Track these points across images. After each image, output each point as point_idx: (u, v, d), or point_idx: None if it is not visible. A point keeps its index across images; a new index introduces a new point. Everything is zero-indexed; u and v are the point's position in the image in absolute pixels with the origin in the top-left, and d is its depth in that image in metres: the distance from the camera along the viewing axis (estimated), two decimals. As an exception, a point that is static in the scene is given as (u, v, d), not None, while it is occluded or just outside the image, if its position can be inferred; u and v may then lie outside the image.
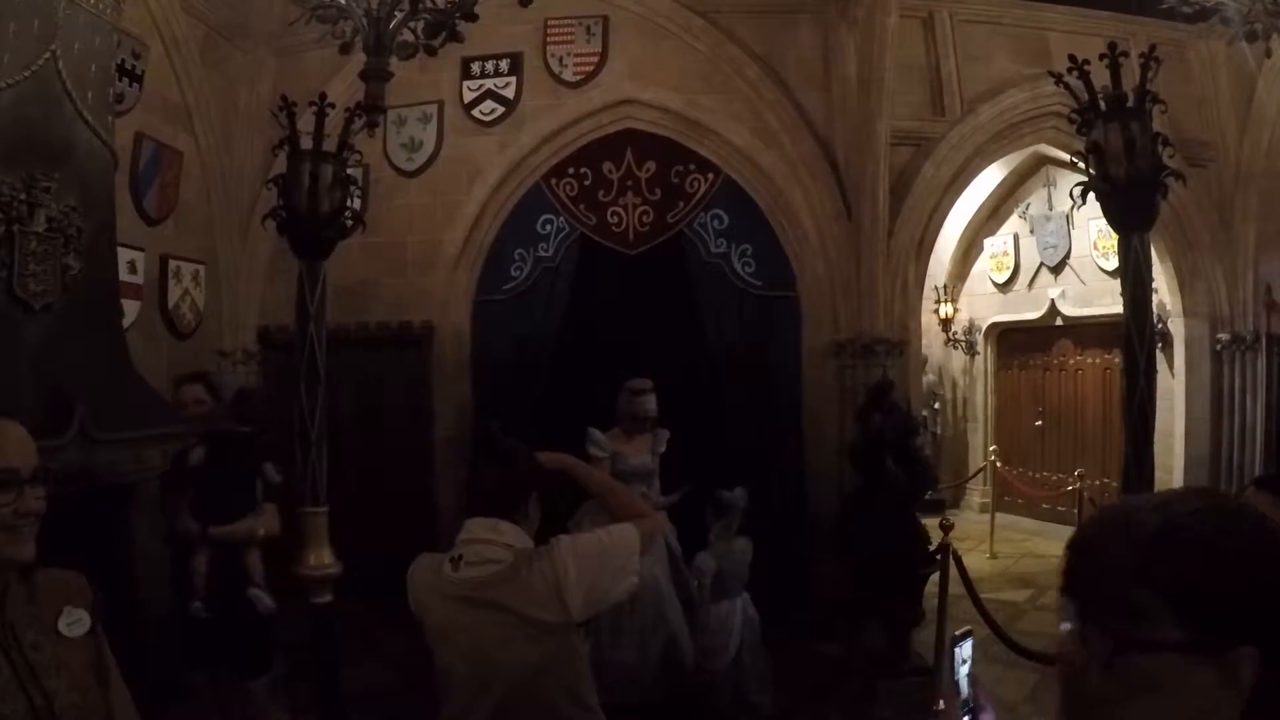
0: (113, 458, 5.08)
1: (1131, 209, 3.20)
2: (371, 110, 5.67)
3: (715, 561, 4.98)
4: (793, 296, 6.87)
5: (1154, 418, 3.13)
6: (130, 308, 6.49)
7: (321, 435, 3.49)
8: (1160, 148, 3.19)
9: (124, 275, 6.30)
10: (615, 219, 6.94)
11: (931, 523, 5.68)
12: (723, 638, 4.99)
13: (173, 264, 7.09)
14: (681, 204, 6.86)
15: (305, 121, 4.06)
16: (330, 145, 3.81)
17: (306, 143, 3.85)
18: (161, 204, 6.94)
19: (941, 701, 1.44)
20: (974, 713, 1.41)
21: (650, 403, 5.46)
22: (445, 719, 2.36)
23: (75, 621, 1.93)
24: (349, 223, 3.69)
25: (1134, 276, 3.16)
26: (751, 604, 5.16)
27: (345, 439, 7.38)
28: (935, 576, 5.52)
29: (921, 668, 5.58)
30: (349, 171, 7.15)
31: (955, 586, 5.41)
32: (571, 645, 2.28)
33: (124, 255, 6.26)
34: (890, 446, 5.45)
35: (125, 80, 6.35)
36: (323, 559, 3.53)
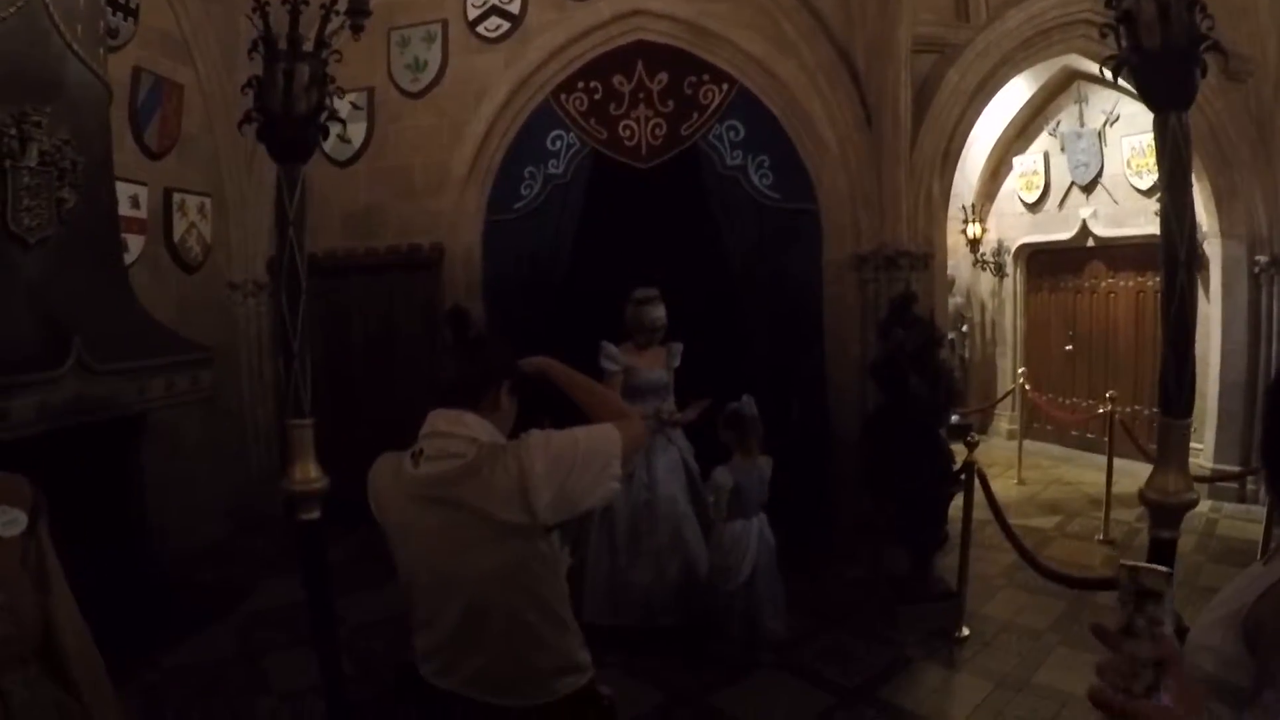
0: (114, 388, 5.06)
1: (1168, 83, 2.93)
2: (356, 13, 5.52)
3: (733, 477, 4.81)
4: (812, 209, 6.61)
5: (1195, 323, 2.90)
6: (134, 243, 6.55)
7: (304, 346, 3.32)
8: (1198, 16, 2.92)
9: (126, 210, 6.34)
10: (627, 133, 6.70)
11: (958, 448, 5.53)
12: (735, 558, 4.82)
13: (177, 197, 7.09)
14: (695, 115, 6.60)
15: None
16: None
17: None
18: (163, 137, 6.92)
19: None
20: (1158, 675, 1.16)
21: (658, 311, 5.28)
22: (414, 638, 2.22)
23: (10, 521, 1.91)
24: (328, 125, 3.49)
25: (1172, 160, 2.90)
26: (768, 526, 4.98)
27: (357, 365, 7.39)
28: (959, 500, 5.41)
29: (945, 593, 5.45)
30: (347, 98, 7.30)
31: (981, 511, 5.27)
32: (540, 552, 2.04)
33: (126, 190, 6.32)
34: (911, 359, 5.24)
35: (119, 15, 6.29)
36: (308, 473, 3.36)
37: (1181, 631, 2.84)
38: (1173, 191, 2.89)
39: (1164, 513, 2.87)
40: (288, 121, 3.32)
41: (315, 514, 3.40)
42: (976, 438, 5.34)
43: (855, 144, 6.53)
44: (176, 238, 7.08)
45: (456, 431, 2.11)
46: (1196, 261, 2.87)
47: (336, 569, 3.75)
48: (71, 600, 2.03)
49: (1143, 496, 2.90)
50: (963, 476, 5.21)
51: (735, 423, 4.89)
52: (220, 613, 5.58)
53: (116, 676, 2.15)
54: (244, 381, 7.66)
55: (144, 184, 6.66)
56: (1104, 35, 3.02)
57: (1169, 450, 2.88)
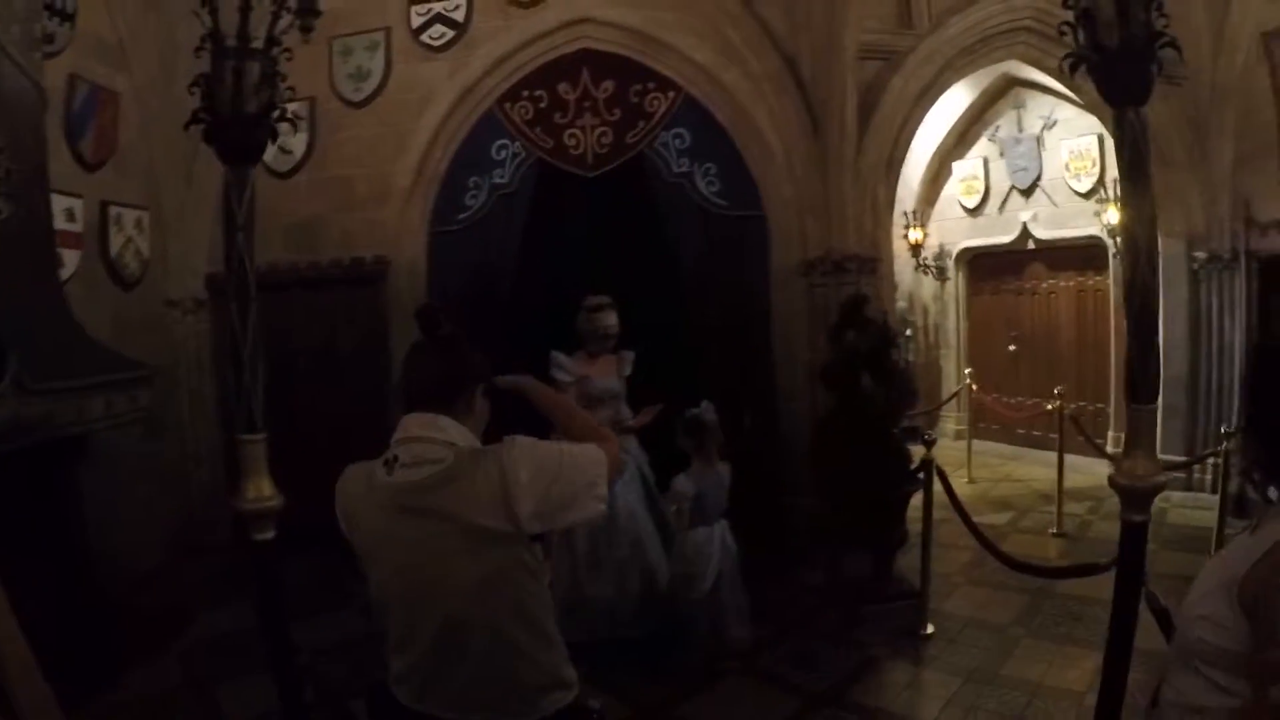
0: (50, 409, 4.85)
1: (1126, 80, 2.95)
2: (306, 13, 5.41)
3: (694, 485, 4.76)
4: (759, 215, 6.62)
5: (1158, 311, 2.94)
6: (70, 258, 6.29)
7: (256, 356, 3.19)
8: (1155, 15, 2.95)
9: (61, 224, 6.08)
10: (573, 141, 6.64)
11: (914, 449, 5.55)
12: (700, 566, 4.77)
13: (114, 210, 6.82)
14: (641, 124, 6.57)
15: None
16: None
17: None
18: (99, 148, 6.65)
19: None
20: None
21: (610, 318, 5.23)
22: (390, 660, 2.11)
23: None
24: (279, 126, 3.39)
25: (1131, 154, 2.92)
26: (730, 532, 4.95)
27: (299, 383, 7.19)
28: (916, 499, 5.41)
29: (907, 592, 5.46)
30: (296, 105, 7.17)
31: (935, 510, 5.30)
32: (522, 561, 1.95)
33: (61, 202, 6.06)
34: (866, 361, 5.25)
35: (55, 19, 6.02)
36: (262, 490, 3.20)
37: (1160, 610, 2.87)
38: (1133, 183, 2.92)
39: (1135, 496, 2.90)
40: (237, 122, 3.20)
41: (270, 534, 3.25)
42: (933, 435, 5.35)
43: (801, 151, 6.56)
44: (113, 253, 6.82)
45: (432, 436, 2.02)
46: (1157, 252, 2.90)
47: (289, 593, 3.55)
48: (14, 627, 1.92)
49: (1112, 481, 2.93)
50: (920, 475, 5.22)
51: (695, 429, 4.84)
52: (166, 641, 5.38)
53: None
54: (184, 401, 7.42)
55: (79, 196, 6.39)
56: (1061, 34, 3.04)
57: (1138, 435, 2.91)
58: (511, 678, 2.01)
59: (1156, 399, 2.92)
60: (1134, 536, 2.96)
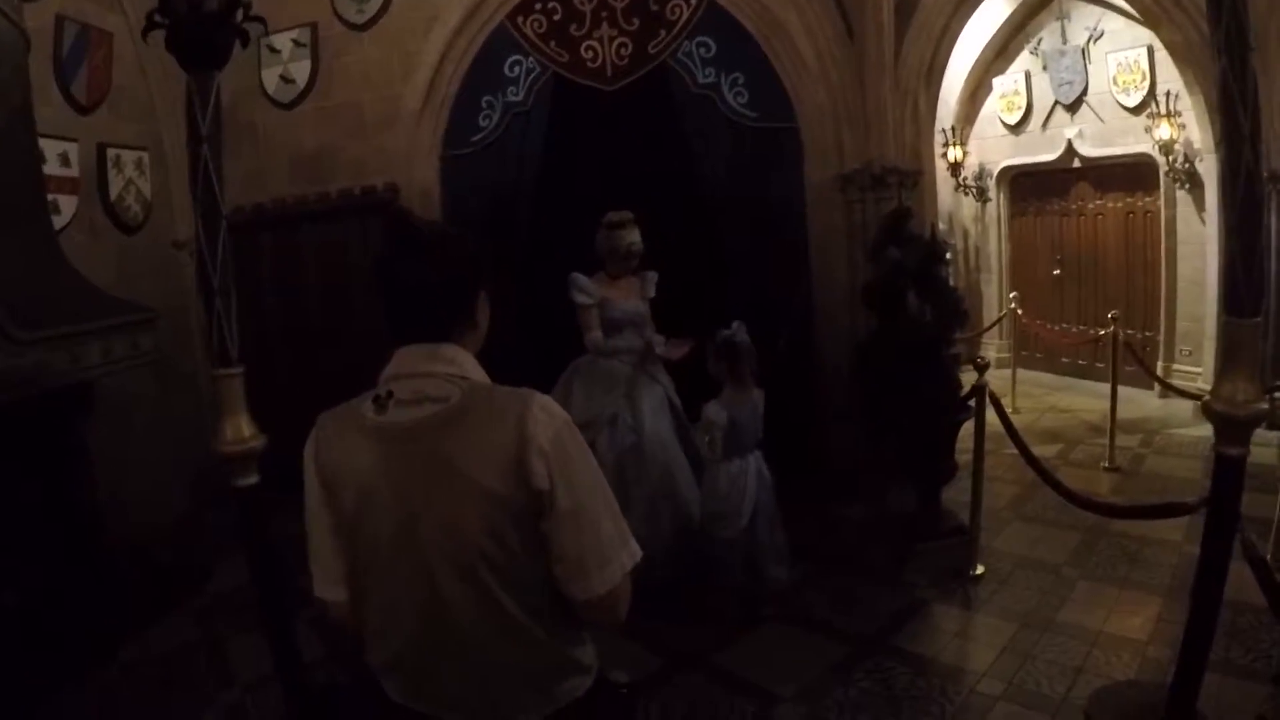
0: (44, 359, 4.61)
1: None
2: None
3: (727, 413, 4.38)
4: (792, 127, 6.16)
5: (1265, 205, 2.52)
6: (67, 204, 6.14)
7: (228, 283, 2.83)
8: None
9: (56, 169, 5.98)
10: (590, 54, 6.19)
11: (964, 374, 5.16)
12: (734, 501, 4.41)
13: (111, 152, 6.63)
14: (663, 33, 6.10)
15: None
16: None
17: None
18: (93, 90, 6.45)
19: None
20: None
21: (633, 235, 4.85)
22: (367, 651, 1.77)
23: None
24: (245, 26, 3.00)
25: (1229, 19, 2.49)
26: (765, 464, 4.59)
27: (314, 318, 6.93)
28: (965, 429, 5.04)
29: (956, 528, 5.11)
30: (296, 31, 6.83)
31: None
32: (525, 528, 1.57)
33: (54, 147, 5.96)
34: (912, 279, 4.85)
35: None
36: (241, 431, 2.86)
37: (1259, 560, 2.51)
38: (1230, 55, 2.48)
39: (1232, 426, 2.51)
40: (197, 22, 2.84)
41: (253, 479, 2.91)
42: (986, 359, 4.96)
43: (835, 57, 6.08)
44: (113, 196, 6.63)
45: (434, 370, 1.64)
46: (1260, 132, 2.47)
47: (302, 540, 3.21)
48: None
49: (1208, 409, 2.54)
50: (971, 403, 4.83)
51: (728, 352, 4.43)
52: (181, 597, 5.14)
53: (71, 675, 1.73)
54: (197, 345, 7.17)
55: (74, 140, 6.21)
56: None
57: (1236, 354, 2.51)
58: (519, 667, 1.65)
59: (1259, 311, 2.50)
60: (1229, 474, 2.57)
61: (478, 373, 1.70)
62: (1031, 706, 3.57)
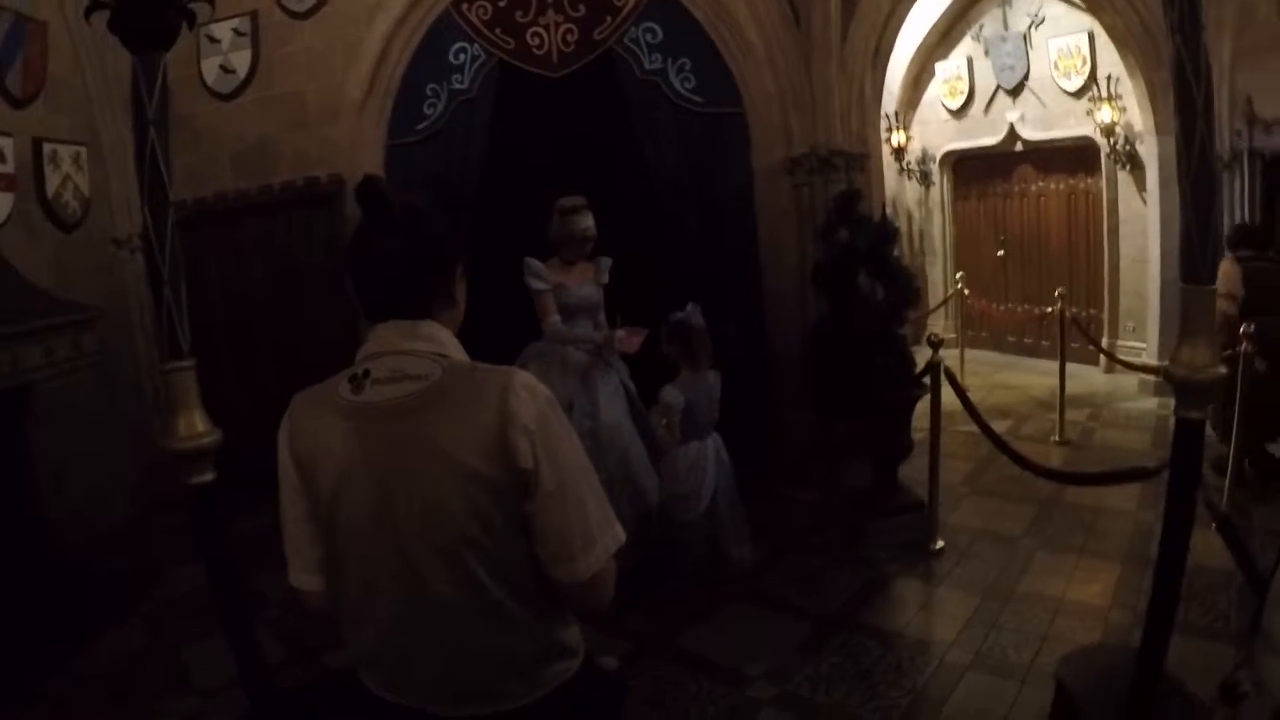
0: (-22, 361, 4.49)
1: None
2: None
3: (683, 395, 4.38)
4: (738, 112, 6.18)
5: (1219, 177, 2.54)
6: (3, 201, 5.92)
7: (176, 272, 2.71)
8: None
9: None
10: (536, 40, 6.13)
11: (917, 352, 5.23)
12: (693, 483, 4.44)
13: (48, 147, 6.38)
14: (609, 19, 6.06)
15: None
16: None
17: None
18: (27, 82, 6.21)
19: None
20: None
21: (587, 220, 4.78)
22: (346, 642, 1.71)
23: None
24: (191, 6, 2.90)
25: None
26: (724, 446, 4.60)
27: (259, 314, 6.79)
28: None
29: (913, 503, 5.15)
30: (237, 20, 6.68)
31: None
32: (509, 509, 1.52)
33: None
34: (863, 260, 4.87)
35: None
36: (194, 426, 2.70)
37: (1224, 520, 2.54)
38: (1184, 33, 2.50)
39: (1191, 389, 2.54)
40: (141, 1, 2.73)
41: (208, 476, 2.80)
42: (941, 337, 5.00)
43: (782, 43, 6.09)
44: (51, 193, 6.40)
45: (414, 348, 1.59)
46: (1213, 106, 2.50)
47: (254, 541, 3.08)
48: None
49: (1167, 374, 2.56)
50: (926, 380, 4.87)
51: (682, 334, 4.45)
52: (132, 602, 4.98)
53: (21, 689, 1.66)
54: (139, 345, 7.01)
55: (8, 134, 5.98)
56: None
57: (1194, 320, 2.53)
58: (504, 651, 1.60)
59: (1214, 279, 2.53)
60: (1189, 436, 2.60)
61: (458, 351, 1.66)
62: (1000, 674, 3.62)
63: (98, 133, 6.82)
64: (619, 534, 1.64)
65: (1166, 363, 2.60)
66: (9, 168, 5.99)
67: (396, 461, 1.52)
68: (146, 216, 2.69)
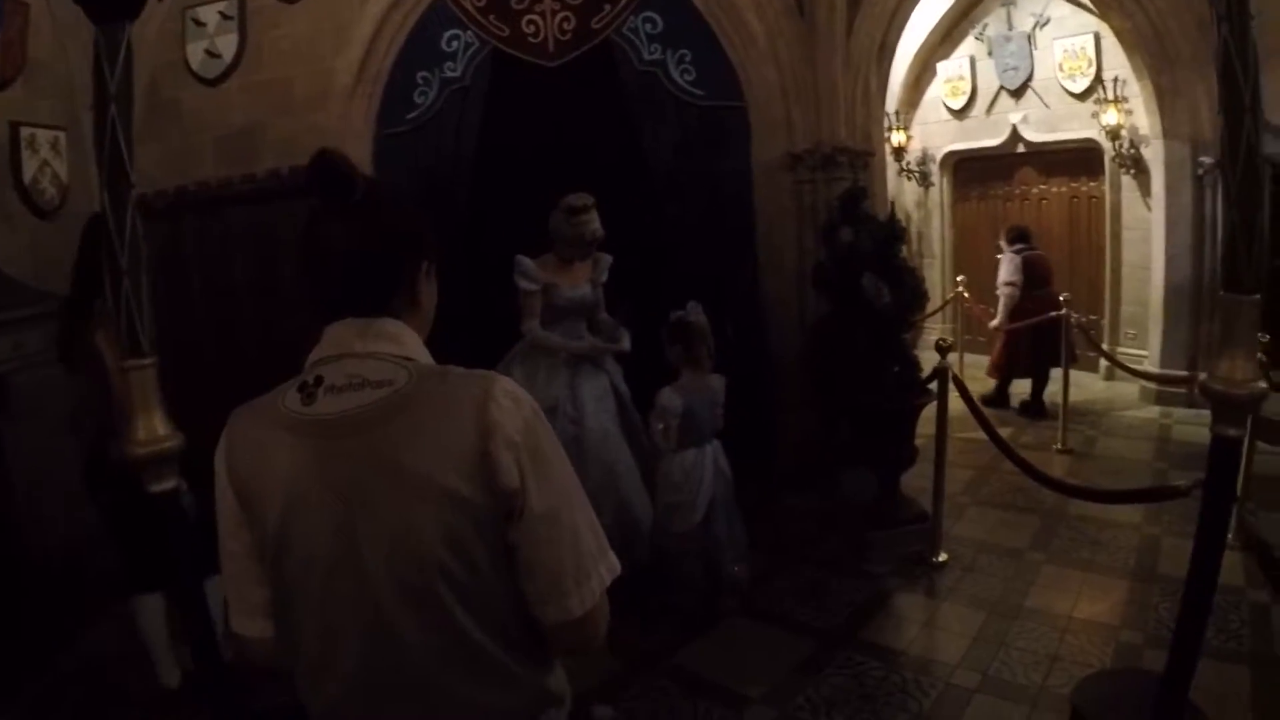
0: (-56, 354, 4.31)
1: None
2: None
3: (682, 399, 4.16)
4: (739, 106, 5.98)
5: (1265, 180, 2.37)
6: None
7: (136, 262, 2.49)
8: None
9: None
10: (531, 28, 5.93)
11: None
12: (688, 493, 4.18)
13: (25, 131, 6.20)
14: (607, 7, 5.86)
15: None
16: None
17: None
18: (6, 63, 6.03)
19: None
20: None
21: (594, 222, 4.54)
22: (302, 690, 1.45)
23: None
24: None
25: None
26: (723, 454, 4.37)
27: (242, 309, 6.59)
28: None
29: (916, 514, 4.98)
30: (223, 3, 6.49)
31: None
32: (490, 537, 1.31)
33: None
34: (868, 261, 4.69)
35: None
36: (154, 429, 2.45)
37: (1261, 543, 2.37)
38: (1232, 23, 2.35)
39: (1230, 405, 2.37)
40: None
41: (170, 483, 2.56)
42: (948, 341, 4.82)
43: (785, 34, 5.92)
44: (27, 179, 6.21)
45: (374, 349, 1.37)
46: (1260, 101, 2.33)
47: None
48: None
49: (1205, 388, 2.39)
50: (932, 385, 4.70)
51: (682, 334, 4.23)
52: (112, 604, 4.80)
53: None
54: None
55: (-16, 117, 5.83)
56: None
57: (1235, 332, 2.37)
58: (486, 704, 1.37)
59: (1259, 289, 2.35)
60: (1226, 456, 2.44)
61: (424, 355, 1.43)
62: (1009, 698, 3.47)
63: (78, 119, 6.61)
64: (614, 564, 1.44)
65: (1201, 375, 2.44)
66: (-17, 152, 5.84)
67: (357, 483, 1.30)
68: (105, 201, 2.47)
